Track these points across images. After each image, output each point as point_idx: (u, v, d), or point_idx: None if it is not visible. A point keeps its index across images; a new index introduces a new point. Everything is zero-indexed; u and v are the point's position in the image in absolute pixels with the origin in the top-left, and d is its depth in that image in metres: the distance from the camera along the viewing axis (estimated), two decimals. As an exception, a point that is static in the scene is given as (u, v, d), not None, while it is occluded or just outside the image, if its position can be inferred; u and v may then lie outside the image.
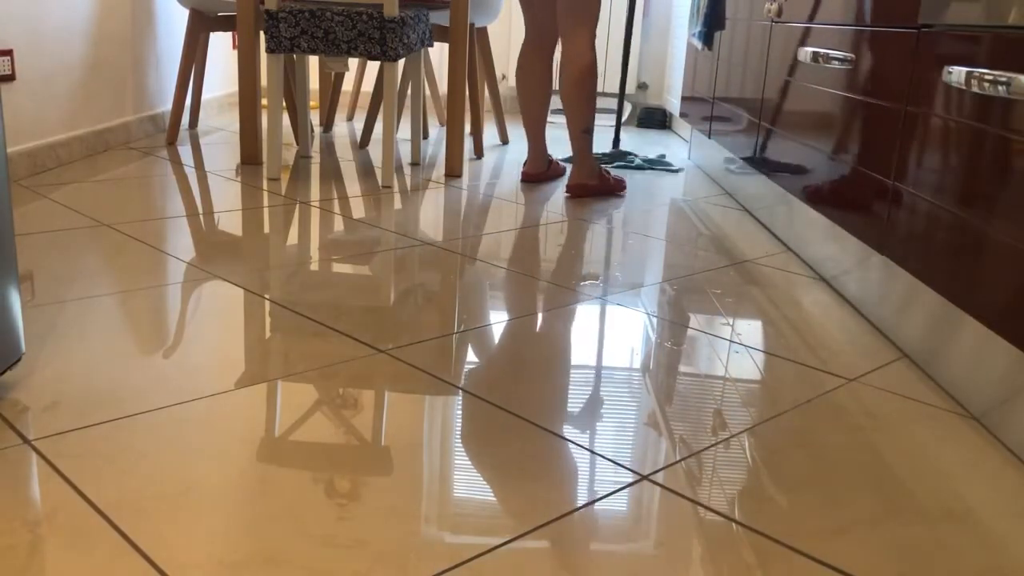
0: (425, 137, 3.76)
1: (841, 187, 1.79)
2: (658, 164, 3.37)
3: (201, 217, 2.26)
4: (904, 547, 0.98)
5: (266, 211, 2.37)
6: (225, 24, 3.33)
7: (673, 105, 4.15)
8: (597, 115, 4.70)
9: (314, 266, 1.90)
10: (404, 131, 3.81)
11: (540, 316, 1.66)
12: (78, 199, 2.35)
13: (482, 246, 2.13)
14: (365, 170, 3.00)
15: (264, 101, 4.38)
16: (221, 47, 4.19)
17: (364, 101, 4.74)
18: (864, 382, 1.43)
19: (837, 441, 1.22)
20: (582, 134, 2.63)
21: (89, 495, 1.00)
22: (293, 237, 2.13)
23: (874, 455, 1.19)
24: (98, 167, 2.78)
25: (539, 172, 2.91)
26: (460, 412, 1.26)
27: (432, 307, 1.68)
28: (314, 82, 4.57)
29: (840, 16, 1.87)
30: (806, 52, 1.96)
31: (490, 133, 3.93)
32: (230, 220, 2.25)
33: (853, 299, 1.80)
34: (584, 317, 1.67)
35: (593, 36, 2.58)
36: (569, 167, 3.07)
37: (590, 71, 2.57)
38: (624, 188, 2.82)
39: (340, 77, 3.73)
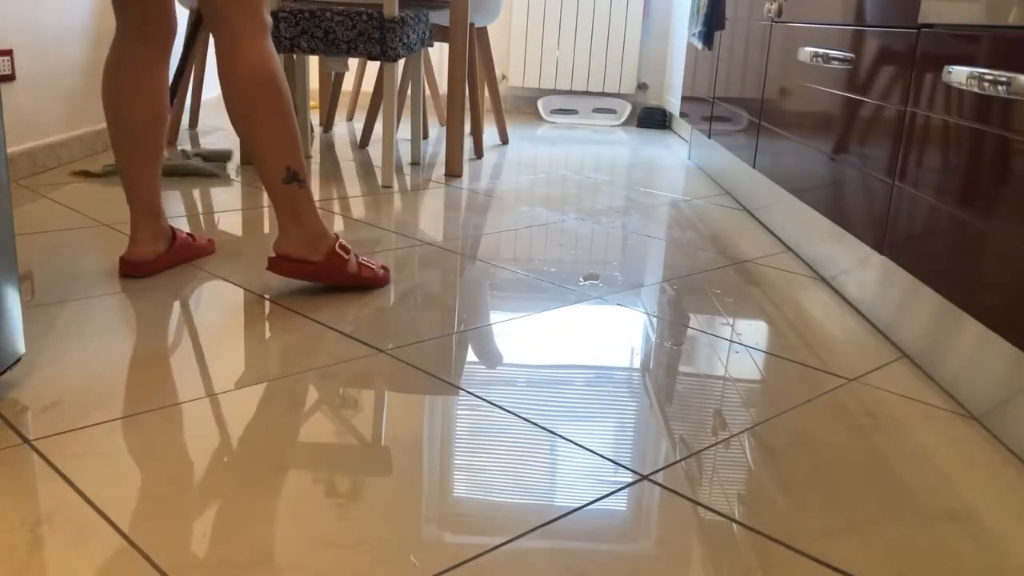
0: (425, 137, 3.76)
1: (841, 187, 1.79)
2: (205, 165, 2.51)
3: (201, 217, 2.26)
4: (904, 547, 0.98)
5: (266, 211, 2.37)
6: (225, 24, 3.33)
7: (673, 105, 4.15)
8: (597, 114, 4.74)
9: (314, 266, 1.90)
10: (404, 131, 3.81)
11: (540, 316, 1.66)
12: (78, 199, 2.35)
13: (482, 246, 2.13)
14: (365, 170, 3.00)
15: (264, 101, 4.37)
16: (221, 47, 4.19)
17: (364, 101, 4.74)
18: (864, 382, 1.43)
19: (837, 441, 1.22)
20: (284, 184, 1.60)
21: (89, 495, 1.00)
22: (293, 237, 2.13)
23: (874, 455, 1.19)
24: (98, 167, 2.78)
25: (149, 258, 1.76)
26: (460, 412, 1.26)
27: (432, 307, 1.68)
28: (314, 82, 4.57)
29: (840, 16, 1.87)
30: (806, 52, 1.96)
31: (490, 133, 3.93)
32: (230, 220, 2.25)
33: (853, 299, 1.80)
34: (584, 317, 1.67)
35: (265, 21, 1.57)
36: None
37: (280, 83, 1.56)
38: (387, 279, 1.79)
39: (340, 77, 3.73)
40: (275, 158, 1.58)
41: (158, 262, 1.77)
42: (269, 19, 1.59)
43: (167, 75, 1.71)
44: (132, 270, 1.74)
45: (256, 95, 1.55)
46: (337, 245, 1.69)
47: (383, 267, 1.80)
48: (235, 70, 1.54)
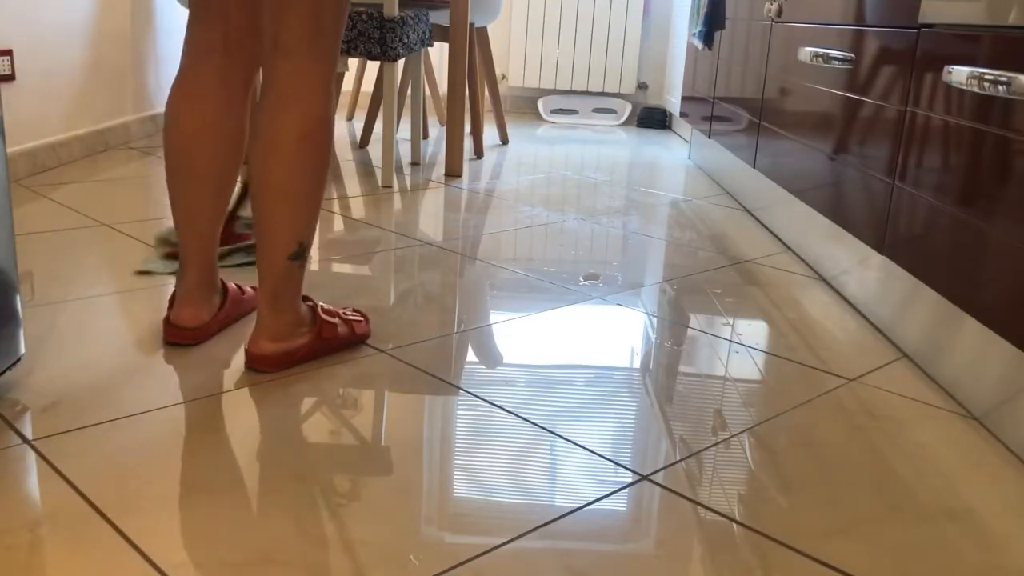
0: (425, 137, 3.76)
1: (841, 187, 1.79)
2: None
3: (201, 217, 2.26)
4: (904, 547, 0.98)
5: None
6: (225, 24, 3.33)
7: (673, 105, 4.15)
8: (597, 114, 4.73)
9: (314, 266, 1.90)
10: (404, 131, 3.81)
11: (540, 316, 1.66)
12: (78, 199, 2.35)
13: (482, 246, 2.13)
14: (365, 170, 3.00)
15: (264, 101, 4.37)
16: (221, 47, 4.19)
17: (364, 101, 4.74)
18: (864, 382, 1.43)
19: (837, 441, 1.22)
20: (289, 261, 1.31)
21: (89, 495, 1.00)
22: (293, 237, 2.12)
23: (874, 455, 1.19)
24: (98, 167, 2.78)
25: (204, 320, 1.45)
26: (460, 412, 1.26)
27: (432, 307, 1.68)
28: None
29: (840, 16, 1.87)
30: (806, 52, 1.96)
31: (490, 133, 3.93)
32: (230, 220, 2.25)
33: (853, 299, 1.80)
34: (584, 317, 1.67)
35: (335, 68, 1.30)
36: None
37: (325, 131, 1.28)
38: (368, 331, 1.50)
39: (340, 77, 3.73)
40: (291, 232, 1.29)
41: (212, 324, 1.46)
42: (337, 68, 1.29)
43: (249, 107, 1.40)
44: (183, 338, 1.43)
45: (304, 156, 1.26)
46: (320, 310, 1.41)
47: (358, 311, 1.52)
48: (286, 121, 1.24)
